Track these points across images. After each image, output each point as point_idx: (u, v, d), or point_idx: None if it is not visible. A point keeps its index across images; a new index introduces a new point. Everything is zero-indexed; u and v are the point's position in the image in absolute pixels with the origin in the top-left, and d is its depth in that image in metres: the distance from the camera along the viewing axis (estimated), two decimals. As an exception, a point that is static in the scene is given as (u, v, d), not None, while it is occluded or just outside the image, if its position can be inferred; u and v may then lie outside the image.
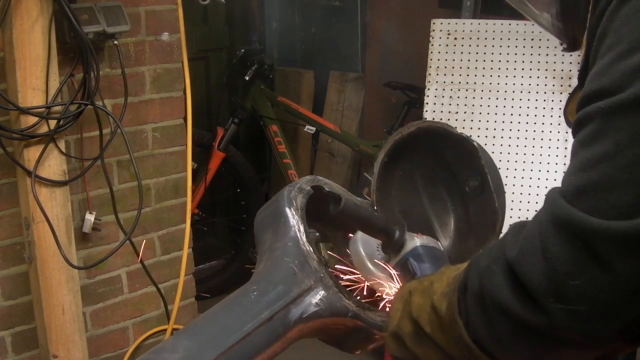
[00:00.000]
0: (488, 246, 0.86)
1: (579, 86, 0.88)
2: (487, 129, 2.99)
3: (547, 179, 2.90)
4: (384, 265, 1.08)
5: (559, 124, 2.92)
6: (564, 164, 2.88)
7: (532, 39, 2.98)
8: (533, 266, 0.71)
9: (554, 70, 2.94)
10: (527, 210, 2.91)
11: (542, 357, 0.77)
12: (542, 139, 2.94)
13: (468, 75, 3.04)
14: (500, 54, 3.01)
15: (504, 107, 2.99)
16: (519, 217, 2.91)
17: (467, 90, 3.03)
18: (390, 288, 1.08)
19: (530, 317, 0.72)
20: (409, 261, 1.07)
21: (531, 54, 2.98)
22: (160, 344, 0.81)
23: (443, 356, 0.85)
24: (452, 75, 3.06)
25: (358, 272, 1.09)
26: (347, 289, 1.01)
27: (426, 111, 3.06)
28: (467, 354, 0.82)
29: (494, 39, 3.03)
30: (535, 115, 2.95)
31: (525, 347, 0.75)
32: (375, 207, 1.20)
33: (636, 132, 0.67)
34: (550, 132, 2.93)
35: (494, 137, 2.98)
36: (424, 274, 1.03)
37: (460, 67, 3.05)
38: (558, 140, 2.91)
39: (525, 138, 2.96)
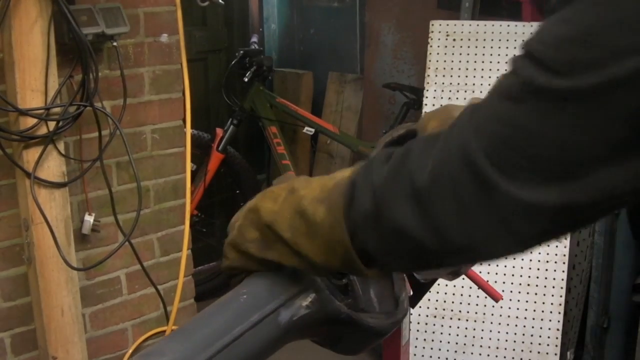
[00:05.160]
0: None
1: None
2: (485, 130, 3.00)
3: (545, 180, 2.90)
4: None
5: (558, 125, 2.93)
6: (563, 165, 2.89)
7: (531, 40, 2.98)
8: (444, 206, 0.68)
9: (553, 71, 2.94)
10: (526, 211, 2.91)
11: (428, 267, 0.92)
12: (540, 140, 2.94)
13: (467, 76, 3.04)
14: (499, 55, 3.01)
15: (503, 108, 2.99)
16: (517, 218, 2.91)
17: (466, 91, 3.03)
18: None
19: (429, 241, 0.69)
20: None
21: (530, 55, 2.98)
22: (149, 348, 0.81)
23: (298, 261, 0.81)
24: (451, 76, 3.06)
25: None
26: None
27: (425, 112, 3.06)
28: (336, 261, 0.78)
29: (492, 40, 3.03)
30: (534, 116, 2.96)
31: (415, 260, 0.76)
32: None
33: None
34: (549, 133, 2.93)
35: (493, 138, 2.98)
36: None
37: (459, 69, 3.06)
38: (557, 141, 2.92)
39: (524, 139, 2.95)
